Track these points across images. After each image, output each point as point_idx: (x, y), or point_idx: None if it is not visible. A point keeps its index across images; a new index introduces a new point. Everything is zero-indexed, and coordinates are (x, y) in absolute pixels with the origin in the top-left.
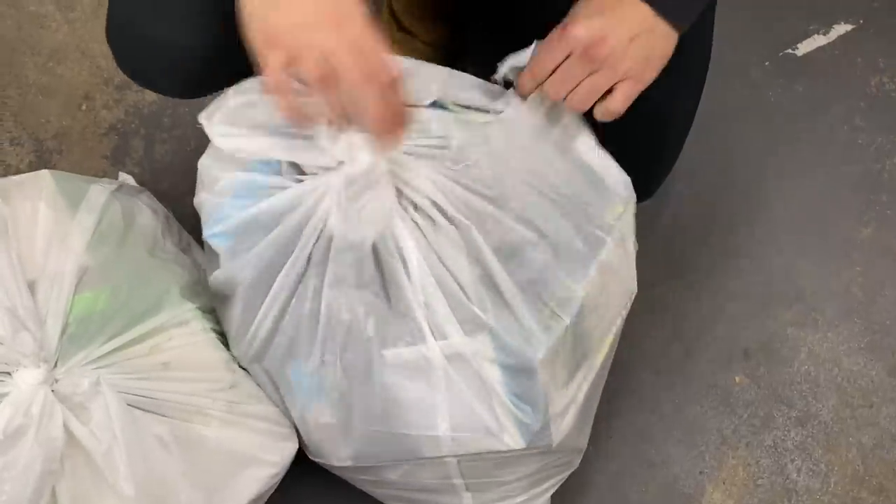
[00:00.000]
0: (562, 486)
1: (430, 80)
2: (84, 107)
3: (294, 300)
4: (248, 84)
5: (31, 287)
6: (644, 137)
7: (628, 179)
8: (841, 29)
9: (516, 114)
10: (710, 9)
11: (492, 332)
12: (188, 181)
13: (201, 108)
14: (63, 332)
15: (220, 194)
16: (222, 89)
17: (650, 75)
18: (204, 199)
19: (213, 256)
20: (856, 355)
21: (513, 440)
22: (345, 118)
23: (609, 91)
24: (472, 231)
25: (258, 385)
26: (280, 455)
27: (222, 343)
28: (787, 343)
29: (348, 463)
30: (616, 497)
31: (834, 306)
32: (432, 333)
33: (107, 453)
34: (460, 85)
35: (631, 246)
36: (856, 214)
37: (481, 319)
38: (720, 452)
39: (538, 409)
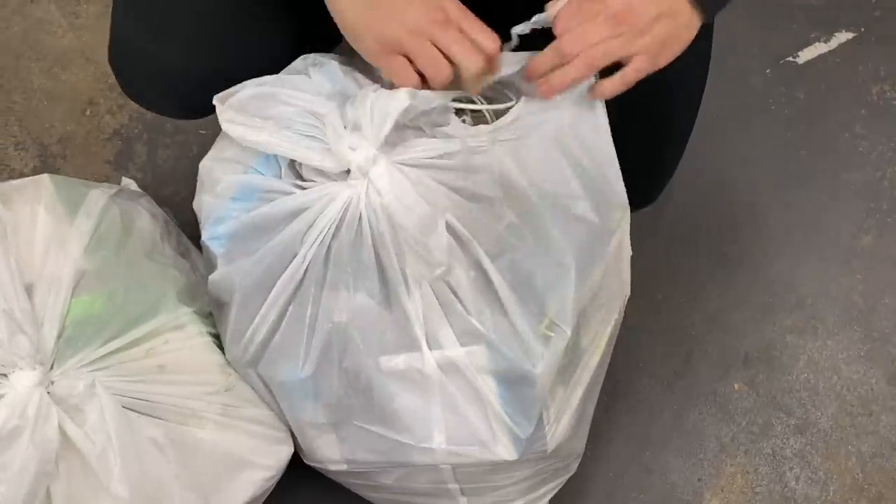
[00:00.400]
0: (559, 491)
1: None
2: (88, 112)
3: (292, 306)
4: (269, 79)
5: (29, 290)
6: (646, 143)
7: (622, 185)
8: (842, 37)
9: (524, 114)
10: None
11: (488, 342)
12: (190, 186)
13: None
14: (59, 335)
15: (219, 196)
16: None
17: (664, 59)
18: (204, 201)
19: (208, 261)
20: (855, 363)
21: (506, 451)
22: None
23: (618, 67)
24: (473, 244)
25: (253, 388)
26: (275, 458)
27: (218, 347)
28: (786, 350)
29: (343, 467)
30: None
31: (834, 314)
32: (428, 343)
33: (101, 455)
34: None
35: (626, 252)
36: (856, 222)
37: (479, 330)
38: (719, 460)
39: (533, 418)
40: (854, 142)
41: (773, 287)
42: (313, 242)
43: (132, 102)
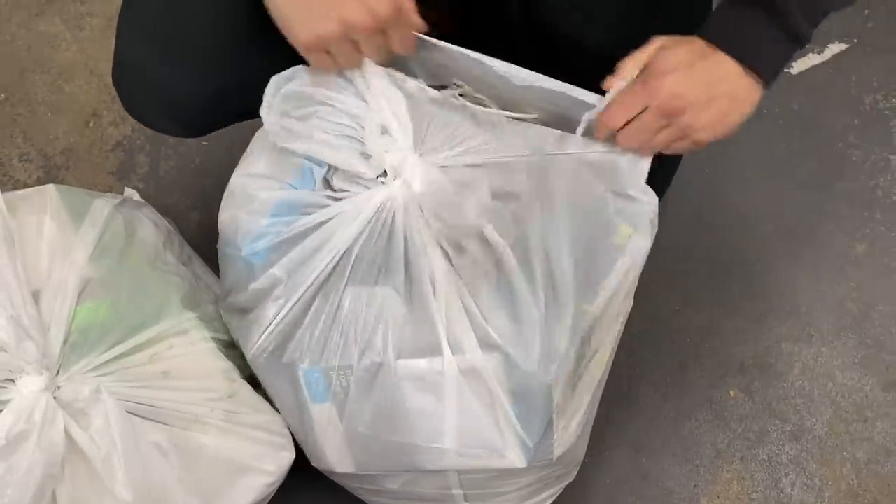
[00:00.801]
0: (559, 497)
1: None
2: (91, 124)
3: (317, 300)
4: (297, 72)
5: (36, 297)
6: None
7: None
8: (835, 48)
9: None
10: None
11: (506, 351)
12: (192, 196)
13: None
14: (65, 340)
15: (256, 213)
16: (224, 128)
17: (727, 130)
18: (239, 217)
19: (246, 273)
20: (850, 370)
21: (516, 458)
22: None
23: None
24: (506, 250)
25: (269, 384)
26: (276, 464)
27: (222, 352)
28: (781, 358)
29: (351, 469)
30: None
31: (828, 321)
32: (450, 347)
33: (106, 459)
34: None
35: (638, 266)
36: (850, 230)
37: (497, 340)
38: (715, 466)
39: (542, 426)
40: (847, 151)
41: (768, 295)
42: (345, 241)
43: None
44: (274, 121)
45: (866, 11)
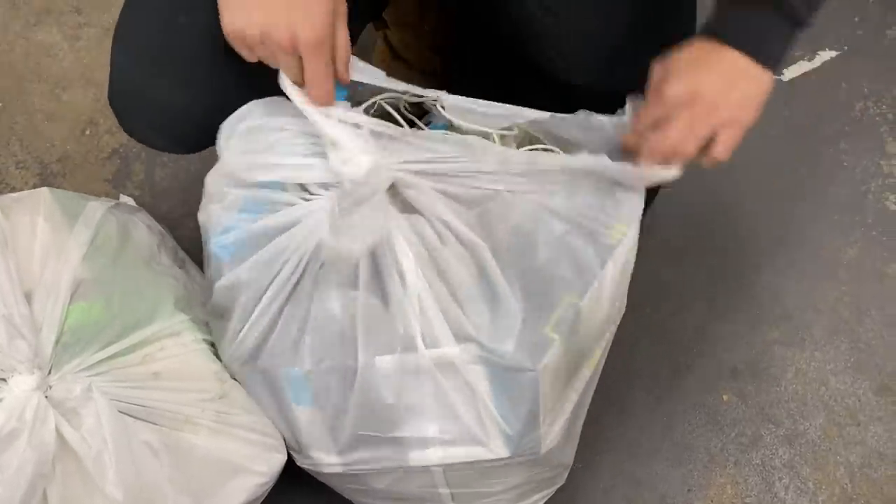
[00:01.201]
0: (549, 501)
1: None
2: (88, 132)
3: (289, 304)
4: (254, 108)
5: (28, 297)
6: None
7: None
8: (826, 55)
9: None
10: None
11: (486, 343)
12: (187, 204)
13: None
14: (57, 340)
15: (228, 207)
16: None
17: (750, 117)
18: (212, 211)
19: (216, 269)
20: (843, 374)
21: (499, 448)
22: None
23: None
24: (481, 247)
25: (249, 390)
26: (268, 465)
27: (213, 354)
28: (774, 362)
29: (338, 468)
30: None
31: (821, 326)
32: (424, 341)
33: (96, 458)
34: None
35: (629, 265)
36: (842, 235)
37: (476, 330)
38: (708, 470)
39: (526, 417)
40: (839, 157)
41: (761, 299)
42: (313, 243)
43: None
44: (237, 161)
45: (856, 19)
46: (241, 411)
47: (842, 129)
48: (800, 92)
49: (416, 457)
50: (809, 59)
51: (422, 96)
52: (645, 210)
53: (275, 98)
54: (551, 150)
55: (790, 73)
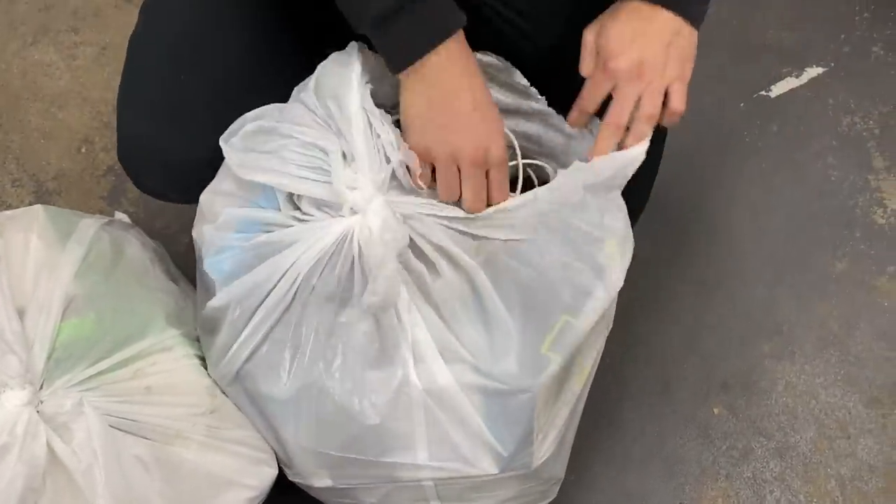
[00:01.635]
0: None
1: None
2: (83, 150)
3: (279, 325)
4: (268, 110)
5: (21, 313)
6: None
7: (625, 221)
8: (813, 72)
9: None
10: None
11: (482, 366)
12: (181, 221)
13: None
14: (49, 356)
15: (221, 228)
16: None
17: (689, 71)
18: (205, 231)
19: (208, 288)
20: (833, 387)
21: (488, 466)
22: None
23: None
24: (477, 271)
25: (238, 407)
26: (258, 479)
27: (205, 369)
28: (764, 375)
29: (328, 483)
30: None
31: (811, 339)
32: (417, 370)
33: (87, 471)
34: None
35: (619, 282)
36: (831, 249)
37: (464, 355)
38: (699, 484)
39: (520, 437)
40: (826, 172)
41: (751, 313)
42: (305, 266)
43: None
44: (235, 154)
45: (842, 36)
46: (232, 426)
47: (829, 144)
48: (787, 108)
49: (405, 474)
50: (797, 76)
51: None
52: (634, 220)
53: (293, 104)
54: (543, 167)
55: (777, 89)
